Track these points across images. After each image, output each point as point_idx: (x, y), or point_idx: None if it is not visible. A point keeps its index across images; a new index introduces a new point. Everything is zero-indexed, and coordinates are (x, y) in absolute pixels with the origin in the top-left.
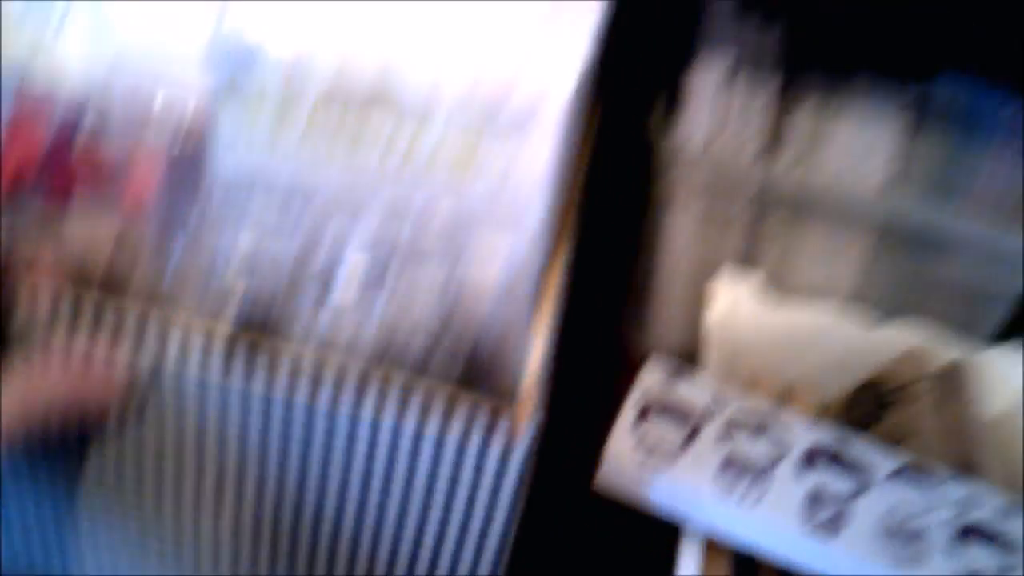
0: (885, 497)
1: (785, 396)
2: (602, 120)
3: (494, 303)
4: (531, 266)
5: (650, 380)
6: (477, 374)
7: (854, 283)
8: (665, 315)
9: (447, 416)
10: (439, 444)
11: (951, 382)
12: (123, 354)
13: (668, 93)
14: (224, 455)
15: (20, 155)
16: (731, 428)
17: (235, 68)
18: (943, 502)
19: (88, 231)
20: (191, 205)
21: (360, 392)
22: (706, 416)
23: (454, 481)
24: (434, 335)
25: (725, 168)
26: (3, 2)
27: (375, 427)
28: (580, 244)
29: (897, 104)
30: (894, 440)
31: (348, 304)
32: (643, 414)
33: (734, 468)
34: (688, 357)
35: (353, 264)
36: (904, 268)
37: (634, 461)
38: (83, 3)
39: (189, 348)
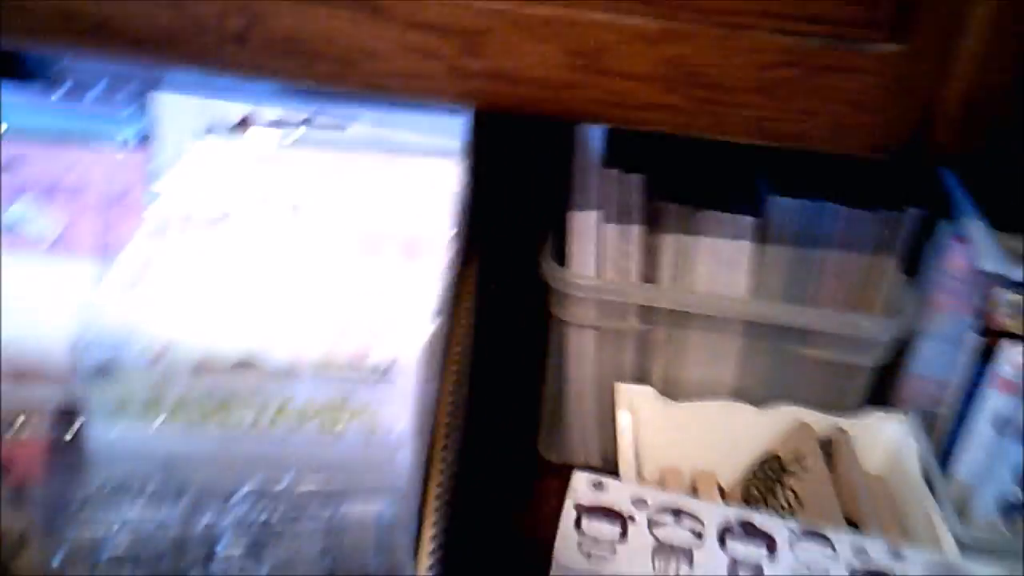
0: (792, 556)
1: (693, 483)
2: (488, 269)
3: (377, 539)
4: (409, 499)
5: (578, 491)
6: None
7: (734, 378)
8: (577, 423)
9: None
10: None
11: (835, 448)
12: None
13: (555, 238)
14: None
15: None
16: (655, 519)
17: (105, 352)
18: (840, 554)
19: None
20: (74, 484)
21: None
22: (631, 513)
23: None
24: None
25: (612, 294)
26: None
27: None
28: (485, 377)
29: (744, 226)
30: (796, 503)
31: (236, 559)
32: (579, 519)
33: (665, 552)
34: (604, 457)
35: (237, 520)
36: (775, 358)
37: (581, 557)
38: None
39: None
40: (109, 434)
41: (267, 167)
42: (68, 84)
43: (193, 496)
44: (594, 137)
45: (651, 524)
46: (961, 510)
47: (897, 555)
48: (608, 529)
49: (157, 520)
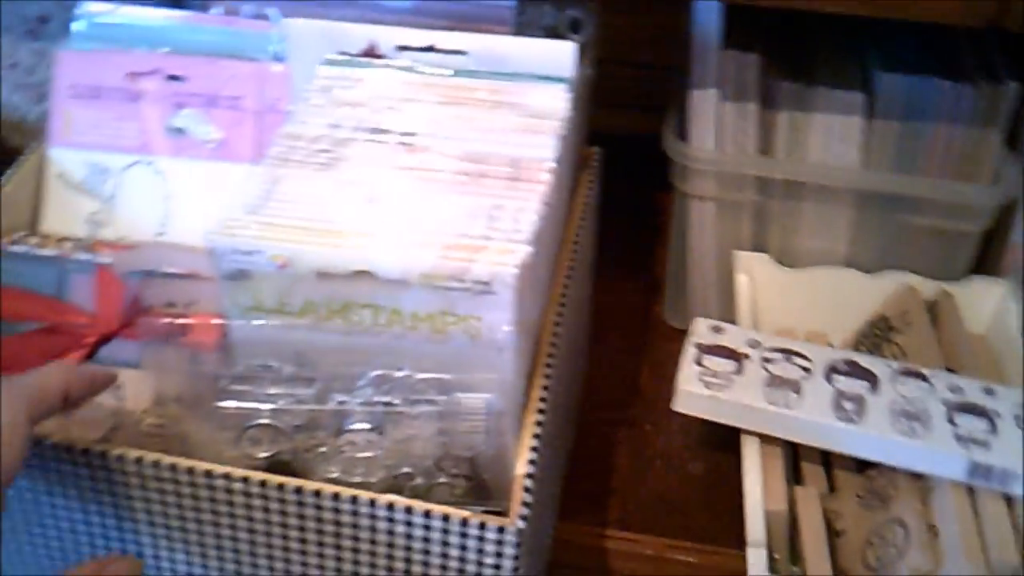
0: (892, 391)
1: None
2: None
3: (486, 424)
4: (515, 391)
5: (698, 332)
6: (476, 486)
7: (846, 246)
8: (698, 290)
9: (451, 519)
10: (445, 543)
11: (939, 309)
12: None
13: (677, 114)
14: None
15: (105, 315)
16: (767, 357)
17: (239, 261)
18: (937, 390)
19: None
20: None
21: (378, 502)
22: (747, 352)
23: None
24: (436, 460)
25: (730, 167)
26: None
27: (393, 529)
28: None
29: (855, 102)
30: (901, 356)
31: (362, 433)
32: (699, 355)
33: (776, 384)
34: (725, 320)
35: (363, 401)
36: (884, 228)
37: (701, 386)
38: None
39: (231, 476)
40: (246, 328)
41: (389, 91)
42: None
43: (324, 379)
44: (712, 19)
45: (764, 361)
46: None
47: (990, 392)
48: (726, 365)
49: (295, 397)
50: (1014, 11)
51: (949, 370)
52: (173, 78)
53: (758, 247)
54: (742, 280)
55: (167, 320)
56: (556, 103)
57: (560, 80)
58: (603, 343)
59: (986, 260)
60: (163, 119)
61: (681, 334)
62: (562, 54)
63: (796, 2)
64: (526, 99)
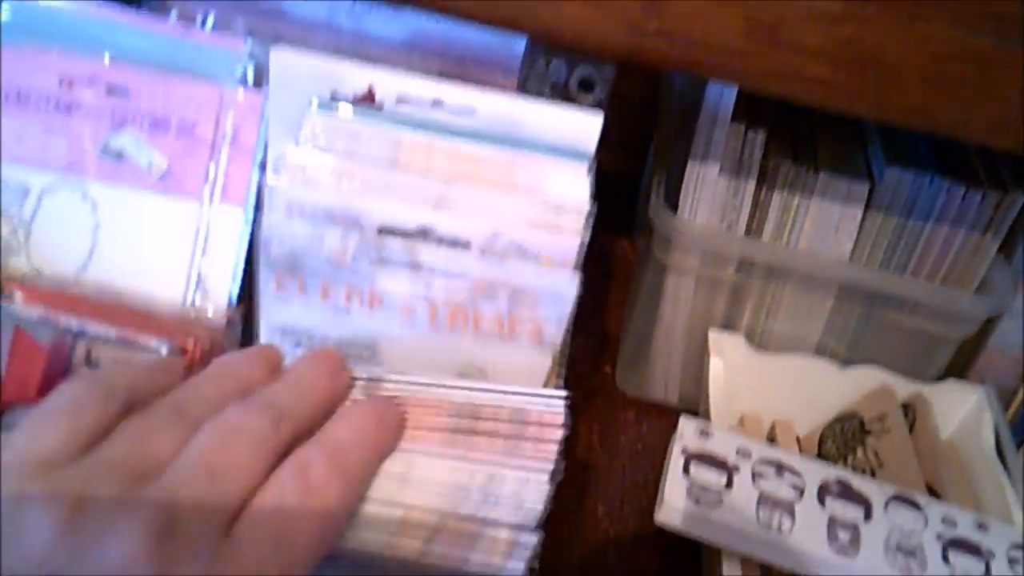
0: (885, 520)
1: (771, 431)
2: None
3: None
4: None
5: (686, 435)
6: None
7: (820, 335)
8: (660, 362)
9: None
10: None
11: (915, 414)
12: None
13: (668, 184)
14: None
15: (20, 375)
16: (758, 472)
17: None
18: (929, 522)
19: None
20: None
21: None
22: (736, 464)
23: None
24: None
25: (716, 243)
26: None
27: None
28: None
29: (859, 192)
30: (876, 463)
31: None
32: (686, 463)
33: (767, 505)
34: (681, 396)
35: None
36: (863, 321)
37: (690, 501)
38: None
39: None
40: None
41: (392, 152)
42: (179, 10)
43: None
44: (723, 93)
45: (754, 476)
46: None
47: (983, 527)
48: (715, 477)
49: None
50: None
51: (928, 485)
52: (115, 90)
53: (728, 323)
54: (716, 364)
55: None
56: (577, 188)
57: (581, 156)
58: None
59: (957, 360)
60: (99, 138)
61: (634, 403)
62: (586, 126)
63: (862, 113)
64: (543, 181)
